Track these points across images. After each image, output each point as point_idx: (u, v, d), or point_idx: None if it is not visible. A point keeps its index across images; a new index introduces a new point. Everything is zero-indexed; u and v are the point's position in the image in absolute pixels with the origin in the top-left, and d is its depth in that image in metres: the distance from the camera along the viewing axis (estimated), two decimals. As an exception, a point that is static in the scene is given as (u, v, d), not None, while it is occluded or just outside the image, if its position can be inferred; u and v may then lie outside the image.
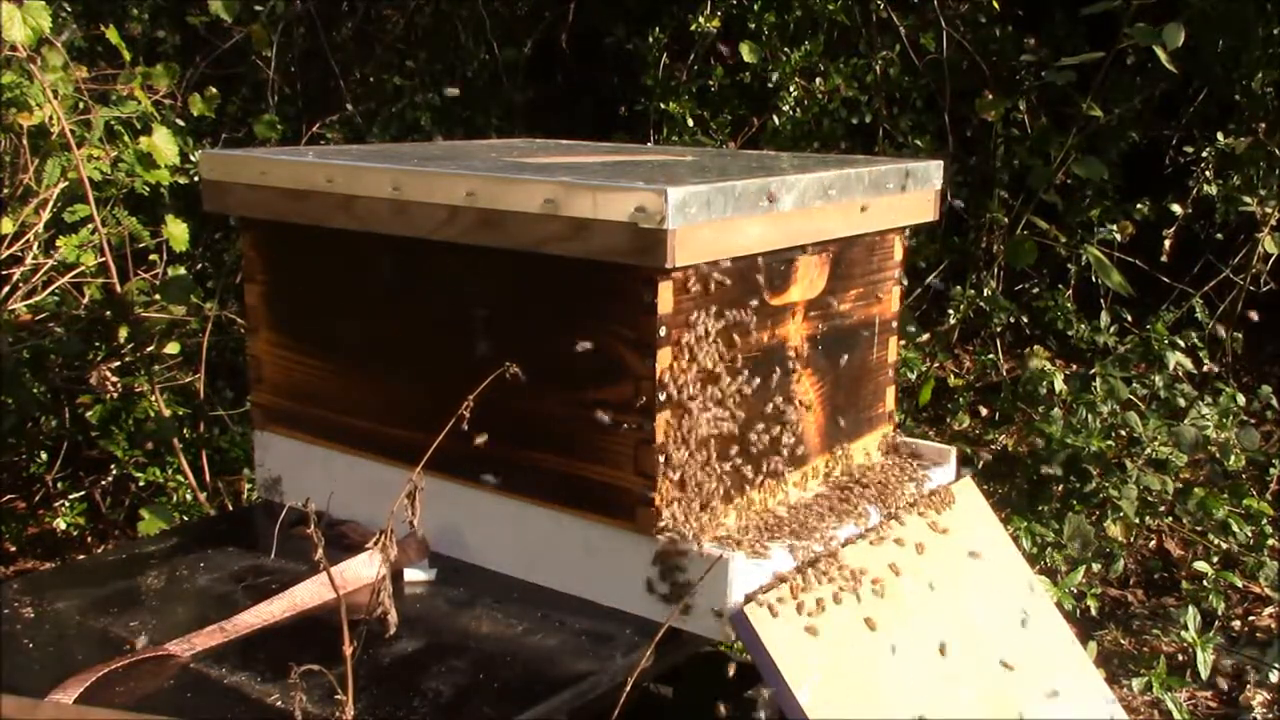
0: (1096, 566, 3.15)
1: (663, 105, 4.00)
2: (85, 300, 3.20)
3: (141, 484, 3.37)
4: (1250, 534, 3.23)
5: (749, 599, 1.63)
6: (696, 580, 1.60)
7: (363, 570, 1.76)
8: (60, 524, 3.40)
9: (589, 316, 1.67)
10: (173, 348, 3.18)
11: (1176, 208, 3.99)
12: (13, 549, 3.35)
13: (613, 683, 1.56)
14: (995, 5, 3.99)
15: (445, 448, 1.42)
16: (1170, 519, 3.39)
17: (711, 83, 4.04)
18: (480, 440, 1.62)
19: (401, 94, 4.34)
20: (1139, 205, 4.00)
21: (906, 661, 1.74)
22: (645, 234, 1.55)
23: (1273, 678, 2.86)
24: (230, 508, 3.19)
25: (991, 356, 4.11)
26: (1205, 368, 3.82)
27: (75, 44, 3.54)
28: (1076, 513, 3.18)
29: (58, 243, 3.11)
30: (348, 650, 1.25)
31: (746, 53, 3.91)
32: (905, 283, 3.38)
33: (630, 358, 1.64)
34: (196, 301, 3.17)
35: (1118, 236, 3.93)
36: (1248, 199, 3.87)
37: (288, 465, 2.08)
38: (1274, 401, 3.62)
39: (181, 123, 3.45)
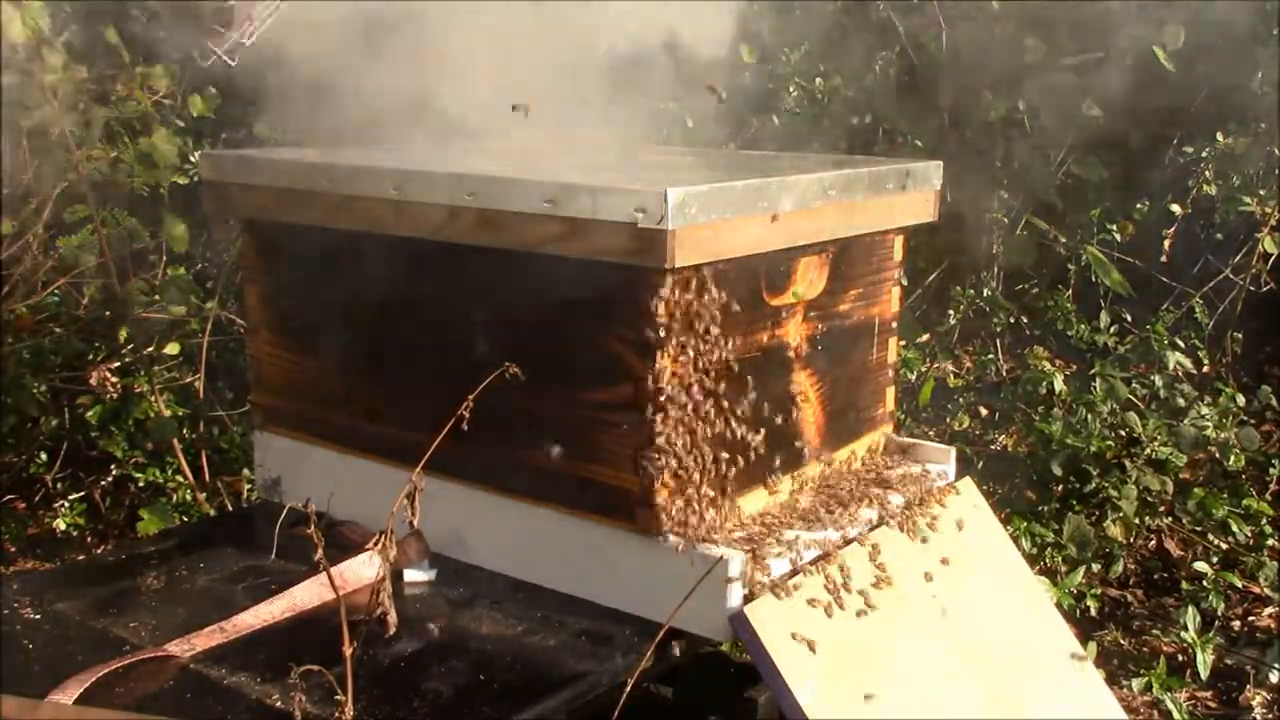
0: (1096, 566, 3.15)
1: (662, 105, 3.99)
2: (85, 300, 3.20)
3: (141, 484, 3.36)
4: (1250, 534, 3.23)
5: (749, 599, 1.63)
6: (696, 581, 1.60)
7: (363, 570, 1.76)
8: (60, 524, 3.40)
9: (589, 316, 1.67)
10: (173, 348, 3.18)
11: (1176, 208, 3.98)
12: (13, 549, 3.35)
13: (613, 683, 1.56)
14: (995, 5, 3.98)
15: (445, 447, 1.42)
16: (1170, 519, 3.39)
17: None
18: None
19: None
20: (1139, 205, 4.00)
21: (906, 662, 1.74)
22: (645, 234, 1.55)
23: (1273, 678, 2.86)
24: (230, 508, 3.19)
25: (991, 356, 4.11)
26: (1204, 368, 3.82)
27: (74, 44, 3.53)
28: (1076, 513, 3.18)
29: (58, 243, 3.11)
30: (347, 650, 1.25)
31: (746, 53, 3.90)
32: (905, 283, 3.38)
33: (630, 358, 1.64)
34: (196, 301, 3.17)
35: (1118, 237, 3.93)
36: (1247, 199, 3.87)
37: (287, 465, 2.08)
38: (1274, 401, 3.62)
39: (181, 123, 3.45)
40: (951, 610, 1.85)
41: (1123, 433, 3.35)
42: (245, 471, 3.30)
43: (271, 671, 1.53)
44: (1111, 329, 3.83)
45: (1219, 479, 3.35)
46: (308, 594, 1.71)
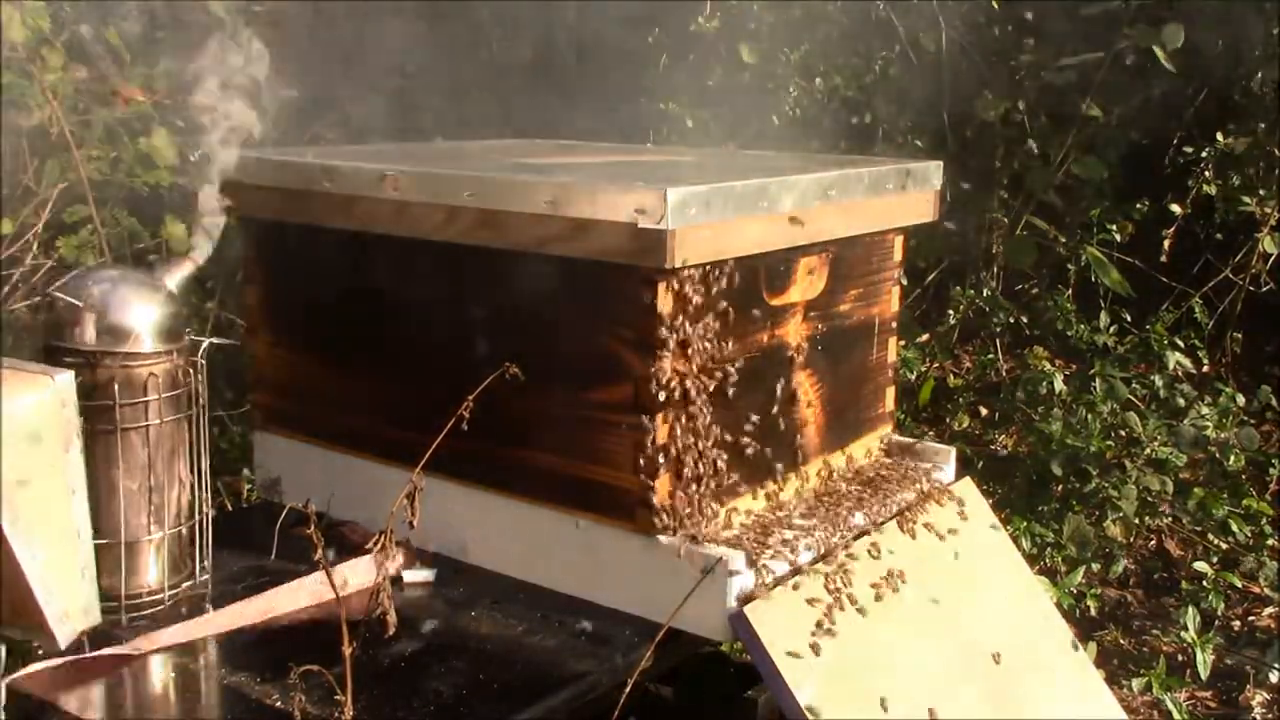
0: (1096, 566, 3.15)
1: (662, 105, 4.00)
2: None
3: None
4: (1250, 534, 3.23)
5: (748, 599, 1.63)
6: (697, 581, 1.60)
7: (352, 578, 1.75)
8: (60, 524, 3.39)
9: (589, 316, 1.67)
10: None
11: (1176, 208, 3.99)
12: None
13: (613, 683, 1.56)
14: (995, 5, 3.99)
15: (445, 448, 1.42)
16: (1170, 519, 3.39)
17: (711, 83, 4.04)
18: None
19: (401, 94, 4.33)
20: (1139, 205, 4.00)
21: (906, 661, 1.74)
22: (645, 234, 1.55)
23: (1273, 678, 2.86)
24: (230, 508, 3.19)
25: (991, 356, 4.11)
26: (1204, 368, 3.82)
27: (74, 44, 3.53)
28: (1076, 513, 3.18)
29: (57, 243, 3.10)
30: (347, 650, 1.25)
31: (746, 53, 3.90)
32: (905, 283, 3.38)
33: (630, 358, 1.64)
34: (196, 301, 3.17)
35: (1118, 237, 3.93)
36: (1247, 199, 3.87)
37: (287, 465, 2.08)
38: (1274, 401, 3.62)
39: (181, 123, 3.44)
40: (951, 610, 1.85)
41: (1123, 433, 3.35)
42: (245, 471, 3.30)
43: (271, 671, 1.53)
44: (1111, 329, 3.83)
45: (1219, 479, 3.35)
46: (285, 599, 1.71)
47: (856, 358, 2.04)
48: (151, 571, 1.70)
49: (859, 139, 4.15)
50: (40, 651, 1.56)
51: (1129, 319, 3.88)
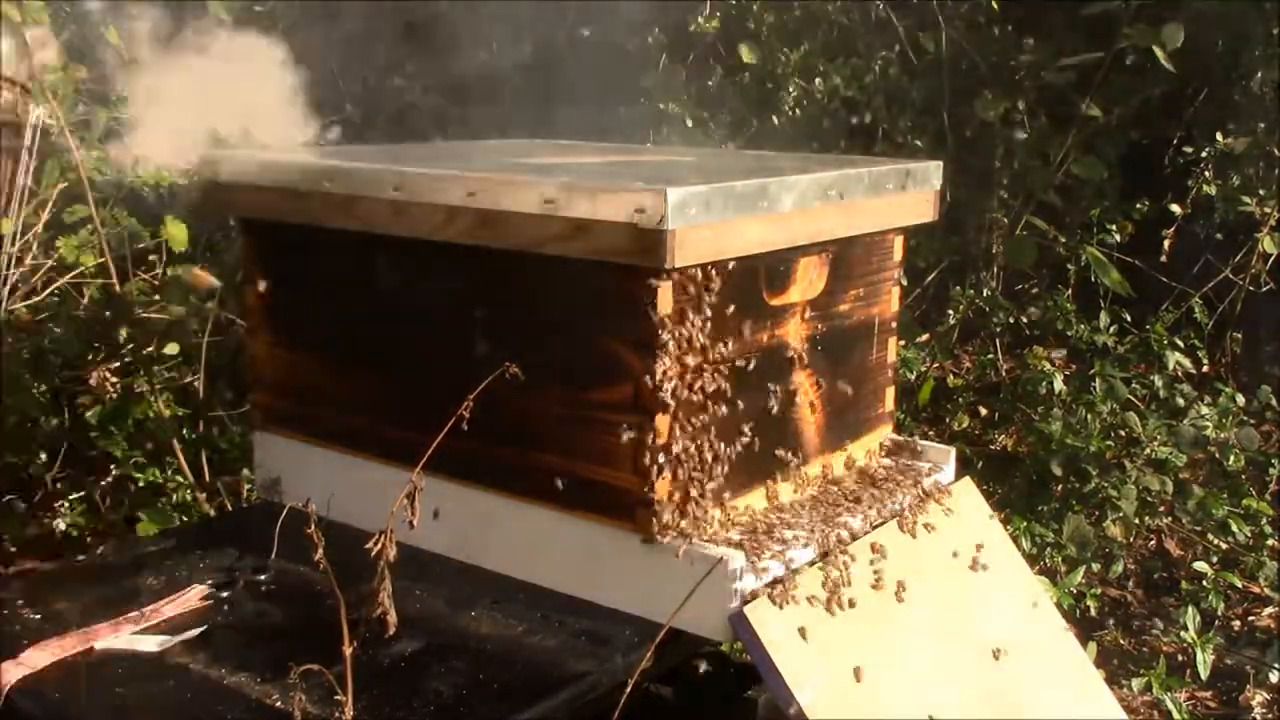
0: (1096, 566, 3.15)
1: (662, 105, 4.00)
2: (85, 300, 3.20)
3: (141, 484, 3.36)
4: (1250, 534, 3.23)
5: (749, 599, 1.63)
6: (697, 581, 1.60)
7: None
8: (60, 524, 3.39)
9: (589, 316, 1.67)
10: (172, 348, 3.18)
11: (1176, 208, 3.99)
12: (13, 549, 3.35)
13: (613, 683, 1.56)
14: (995, 5, 3.99)
15: (445, 448, 1.42)
16: (1170, 519, 3.39)
17: (711, 83, 4.05)
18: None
19: (402, 94, 4.34)
20: (1139, 205, 4.01)
21: (906, 661, 1.74)
22: (645, 234, 1.55)
23: (1273, 678, 2.86)
24: (230, 508, 3.19)
25: (991, 356, 4.11)
26: (1204, 368, 3.82)
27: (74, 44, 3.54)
28: (1076, 513, 3.18)
29: (57, 243, 3.11)
30: (347, 650, 1.25)
31: (746, 53, 3.91)
32: (905, 283, 3.38)
33: (630, 358, 1.64)
34: (196, 301, 3.17)
35: (1118, 237, 3.93)
36: (1247, 199, 3.87)
37: (287, 465, 2.08)
38: (1274, 401, 3.62)
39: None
40: (951, 610, 1.86)
41: (1123, 433, 3.36)
42: (245, 471, 3.30)
43: (271, 671, 1.53)
44: (1111, 329, 3.83)
45: (1219, 479, 3.36)
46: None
47: (856, 358, 2.04)
48: None
49: (859, 139, 4.15)
50: None
51: (1129, 319, 3.88)
